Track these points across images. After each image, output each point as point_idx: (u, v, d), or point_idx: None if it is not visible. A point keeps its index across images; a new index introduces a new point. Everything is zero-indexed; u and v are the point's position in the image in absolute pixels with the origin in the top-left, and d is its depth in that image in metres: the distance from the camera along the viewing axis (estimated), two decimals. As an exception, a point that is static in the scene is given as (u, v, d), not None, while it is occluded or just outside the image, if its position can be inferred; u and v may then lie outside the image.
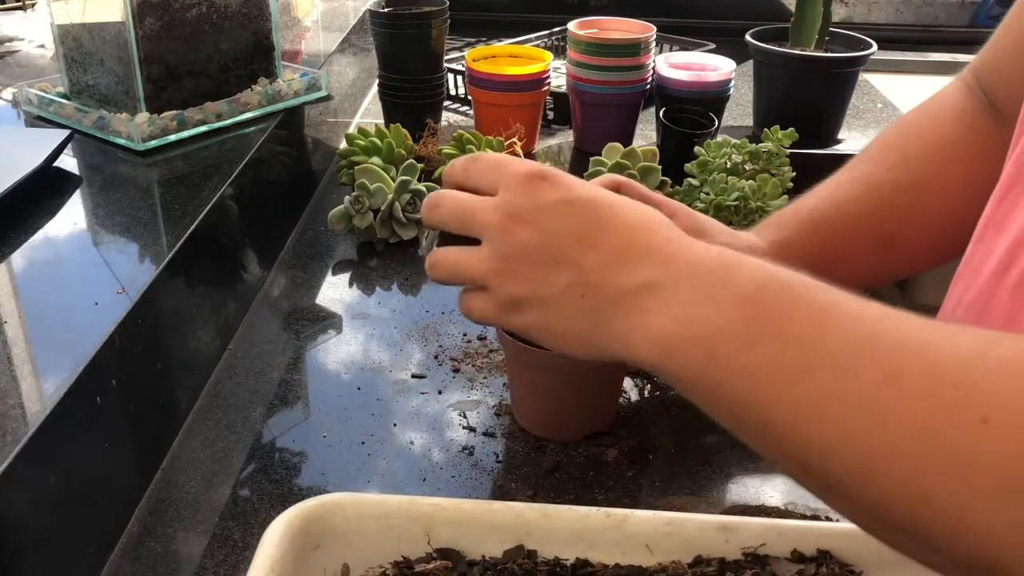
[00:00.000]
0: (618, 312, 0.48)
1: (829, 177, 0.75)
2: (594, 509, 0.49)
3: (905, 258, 0.74)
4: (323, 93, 1.03)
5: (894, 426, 0.38)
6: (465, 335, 0.80)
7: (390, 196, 0.92)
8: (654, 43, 1.14)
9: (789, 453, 0.42)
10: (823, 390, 0.40)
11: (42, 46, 1.20)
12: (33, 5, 1.38)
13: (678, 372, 0.46)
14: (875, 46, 1.18)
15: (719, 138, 1.00)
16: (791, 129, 0.99)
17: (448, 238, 0.58)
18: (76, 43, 0.91)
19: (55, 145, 0.79)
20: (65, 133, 0.82)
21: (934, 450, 0.37)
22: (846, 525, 0.49)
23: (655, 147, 1.01)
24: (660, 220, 0.51)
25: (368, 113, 1.33)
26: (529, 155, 1.16)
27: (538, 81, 1.12)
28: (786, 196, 0.92)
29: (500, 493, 0.62)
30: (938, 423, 0.37)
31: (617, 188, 0.69)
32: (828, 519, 0.60)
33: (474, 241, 0.54)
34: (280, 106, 0.97)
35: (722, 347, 0.44)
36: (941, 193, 0.72)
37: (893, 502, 0.38)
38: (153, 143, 0.86)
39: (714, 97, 1.12)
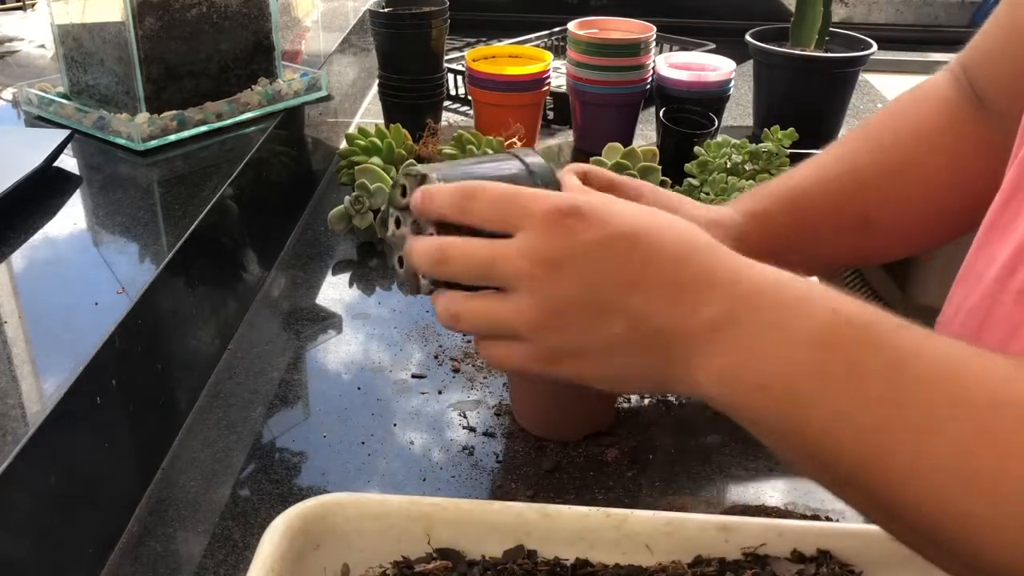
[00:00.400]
0: (681, 355, 0.45)
1: (811, 157, 0.75)
2: (594, 509, 0.49)
3: (881, 242, 0.74)
4: (323, 93, 1.03)
5: (989, 491, 0.37)
6: (465, 335, 0.80)
7: (390, 196, 0.92)
8: (654, 43, 1.14)
9: (873, 499, 0.42)
10: (911, 452, 0.39)
11: (42, 46, 1.20)
12: (33, 5, 1.38)
13: (752, 415, 0.44)
14: (875, 46, 1.18)
15: (719, 138, 1.00)
16: (791, 129, 0.99)
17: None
18: (76, 43, 0.91)
19: (55, 145, 0.79)
20: (65, 133, 0.82)
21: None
22: (846, 525, 0.49)
23: (655, 147, 1.01)
24: (706, 243, 0.47)
25: (368, 113, 1.33)
26: (529, 155, 1.16)
27: (538, 81, 1.12)
28: (786, 196, 0.92)
29: (500, 493, 0.62)
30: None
31: (584, 176, 0.68)
32: (828, 519, 0.60)
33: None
34: (280, 106, 0.97)
35: (801, 391, 0.42)
36: (922, 180, 0.72)
37: (977, 551, 0.38)
38: (153, 143, 0.86)
39: (714, 97, 1.12)
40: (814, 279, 0.47)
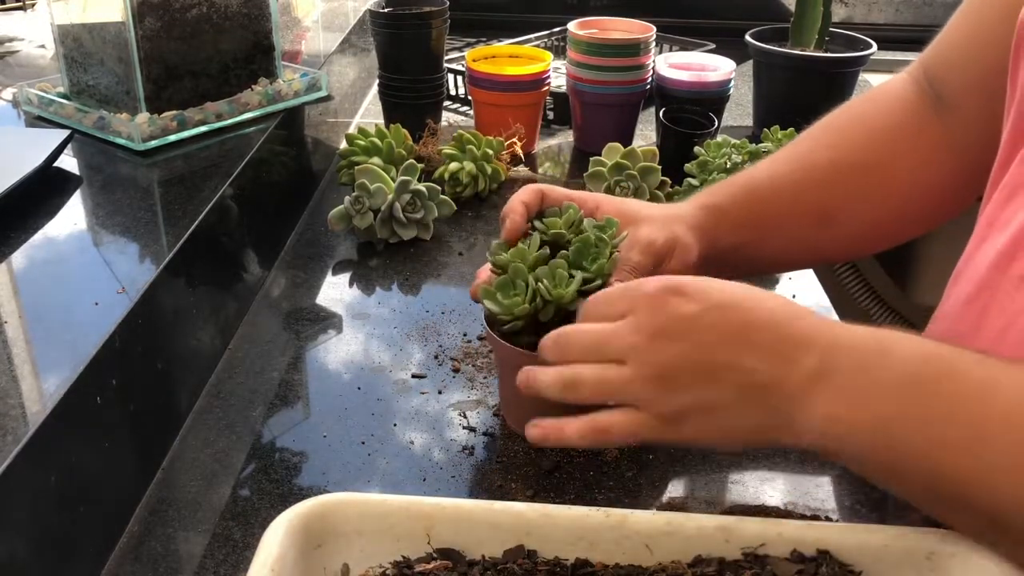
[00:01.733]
0: (786, 408, 0.49)
1: (771, 154, 0.76)
2: (594, 509, 0.49)
3: (840, 238, 0.74)
4: (323, 93, 1.03)
5: None
6: (465, 335, 0.80)
7: (390, 196, 0.92)
8: (654, 43, 1.14)
9: (971, 509, 0.46)
10: (1002, 468, 0.44)
11: (42, 46, 1.20)
12: (33, 5, 1.38)
13: (855, 455, 0.49)
14: (875, 46, 1.18)
15: (719, 138, 1.00)
16: (791, 129, 0.99)
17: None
18: (76, 43, 0.91)
19: (55, 145, 0.79)
20: (65, 133, 0.82)
21: None
22: (846, 525, 0.49)
23: (655, 147, 1.01)
24: (796, 308, 0.52)
25: (368, 113, 1.33)
26: (529, 155, 1.16)
27: (538, 81, 1.12)
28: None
29: (500, 493, 0.62)
30: None
31: (541, 196, 0.69)
32: (828, 519, 0.60)
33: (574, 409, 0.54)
34: (280, 106, 0.97)
35: (896, 430, 0.47)
36: (881, 178, 0.72)
37: None
38: (153, 143, 0.86)
39: (714, 97, 1.12)
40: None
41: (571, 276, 0.62)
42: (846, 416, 0.48)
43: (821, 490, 0.63)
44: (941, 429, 0.46)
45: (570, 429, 0.55)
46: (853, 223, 0.73)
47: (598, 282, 0.62)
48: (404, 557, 0.49)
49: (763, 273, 0.90)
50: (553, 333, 0.56)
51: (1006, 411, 0.45)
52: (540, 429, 0.56)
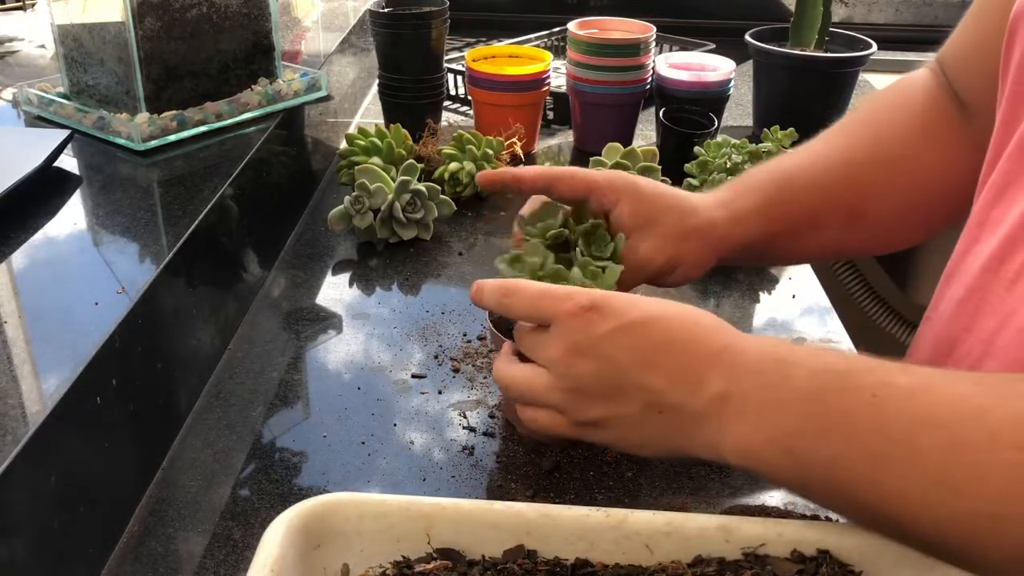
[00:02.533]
0: (698, 425, 0.51)
1: (804, 145, 0.75)
2: (594, 509, 0.49)
3: (870, 234, 0.74)
4: (323, 93, 1.03)
5: (972, 496, 0.42)
6: (465, 335, 0.80)
7: (390, 196, 0.92)
8: (654, 43, 1.14)
9: (883, 525, 0.47)
10: (898, 476, 0.44)
11: (42, 46, 1.20)
12: (33, 5, 1.38)
13: (765, 472, 0.50)
14: (875, 46, 1.18)
15: (719, 138, 1.00)
16: (791, 129, 0.99)
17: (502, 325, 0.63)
18: (76, 43, 0.91)
19: (55, 145, 0.79)
20: (65, 133, 0.82)
21: (1013, 510, 0.42)
22: (846, 525, 0.49)
23: (655, 147, 1.01)
24: (709, 325, 0.53)
25: (368, 113, 1.33)
26: (529, 155, 1.16)
27: (538, 81, 1.12)
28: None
29: (500, 493, 0.62)
30: (1010, 489, 0.42)
31: (552, 182, 0.68)
32: (827, 519, 0.60)
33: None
34: (280, 106, 0.97)
35: (798, 445, 0.47)
36: (913, 172, 0.72)
37: (982, 551, 0.43)
38: (153, 143, 0.86)
39: (714, 97, 1.12)
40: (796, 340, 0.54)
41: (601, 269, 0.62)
42: (753, 436, 0.48)
43: (821, 490, 0.63)
44: (839, 443, 0.46)
45: (508, 411, 0.58)
46: (882, 218, 0.73)
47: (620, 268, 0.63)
48: (404, 557, 0.49)
49: (780, 265, 0.90)
50: (501, 286, 0.57)
51: (903, 438, 0.45)
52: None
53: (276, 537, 0.46)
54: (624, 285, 0.65)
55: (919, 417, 0.45)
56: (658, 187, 0.70)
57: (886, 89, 0.77)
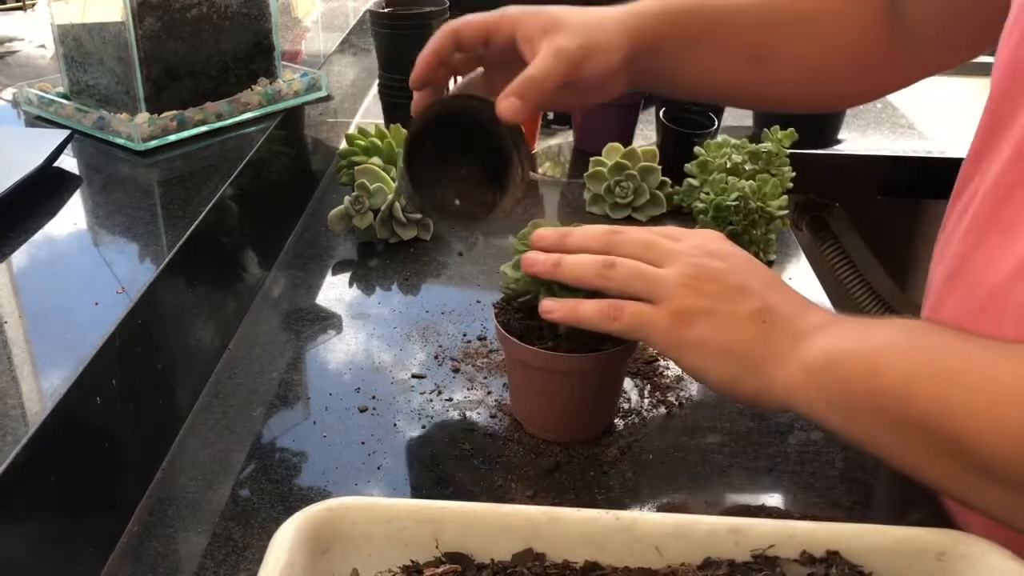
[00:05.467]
0: (790, 341, 0.54)
1: None
2: (603, 512, 0.49)
3: (769, 81, 0.77)
4: (323, 93, 1.03)
5: None
6: (465, 335, 0.80)
7: (390, 196, 0.92)
8: (654, 43, 1.14)
9: (943, 445, 0.48)
10: (972, 389, 0.47)
11: (42, 46, 1.20)
12: (33, 5, 1.38)
13: (838, 385, 0.52)
14: (875, 46, 1.18)
15: (719, 138, 1.00)
16: (791, 129, 0.99)
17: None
18: (76, 43, 0.91)
19: (55, 145, 0.79)
20: (65, 133, 0.82)
21: None
22: (856, 526, 0.48)
23: (655, 147, 1.01)
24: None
25: (368, 113, 1.33)
26: (529, 156, 1.16)
27: (538, 81, 1.12)
28: (786, 196, 0.92)
29: (500, 493, 0.62)
30: None
31: (454, 37, 0.69)
32: (828, 519, 0.60)
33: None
34: (280, 106, 0.97)
35: (883, 362, 0.50)
36: (824, 35, 0.75)
37: None
38: (153, 143, 0.86)
39: (714, 97, 1.12)
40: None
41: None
42: (841, 346, 0.52)
43: (821, 490, 0.63)
44: (922, 358, 0.49)
45: (584, 307, 0.58)
46: (782, 69, 0.75)
47: None
48: (413, 561, 0.49)
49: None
50: (607, 227, 0.61)
51: (984, 359, 0.48)
52: (555, 303, 0.59)
53: (285, 542, 0.45)
54: (553, 73, 0.66)
55: (1001, 349, 0.48)
56: (552, 7, 0.71)
57: None
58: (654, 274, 0.57)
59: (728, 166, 0.96)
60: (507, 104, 0.64)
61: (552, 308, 0.59)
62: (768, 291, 0.57)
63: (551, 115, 1.27)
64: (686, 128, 1.07)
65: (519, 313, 0.65)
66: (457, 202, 0.71)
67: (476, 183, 0.71)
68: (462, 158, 0.71)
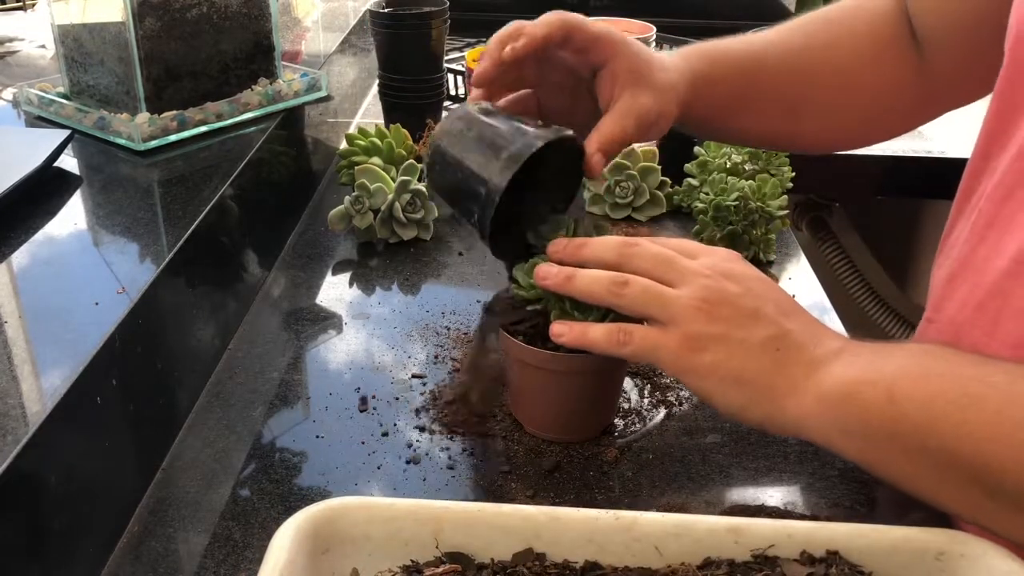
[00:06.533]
0: (803, 370, 0.54)
1: (765, 31, 0.78)
2: (603, 512, 0.49)
3: (805, 129, 0.78)
4: (323, 93, 1.03)
5: None
6: (465, 335, 0.80)
7: (390, 196, 0.92)
8: (654, 43, 1.14)
9: (965, 473, 0.48)
10: (993, 413, 0.46)
11: (42, 46, 1.20)
12: (33, 5, 1.38)
13: (855, 414, 0.51)
14: (875, 46, 1.18)
15: (719, 138, 1.00)
16: (791, 129, 0.99)
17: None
18: (76, 43, 0.91)
19: (55, 145, 0.79)
20: (65, 133, 0.82)
21: None
22: (856, 526, 0.49)
23: (655, 147, 1.01)
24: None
25: (368, 113, 1.33)
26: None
27: (538, 81, 1.12)
28: (786, 196, 0.92)
29: (500, 493, 0.62)
30: None
31: (568, 29, 0.66)
32: (828, 519, 0.60)
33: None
34: (280, 106, 0.97)
35: (900, 387, 0.50)
36: (857, 84, 0.76)
37: None
38: (153, 143, 0.86)
39: (714, 97, 1.12)
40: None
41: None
42: (857, 376, 0.51)
43: (821, 490, 0.63)
44: (939, 385, 0.49)
45: (594, 331, 0.58)
46: (818, 119, 0.77)
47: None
48: (413, 561, 0.49)
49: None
50: (623, 240, 0.60)
51: (1004, 382, 0.47)
52: (565, 327, 0.59)
53: (285, 542, 0.46)
54: (628, 141, 0.65)
55: (1020, 371, 0.47)
56: (641, 45, 0.70)
57: (841, 3, 0.79)
58: (667, 295, 0.56)
59: (728, 166, 0.96)
60: (596, 160, 0.64)
61: (562, 332, 0.59)
62: (782, 317, 0.56)
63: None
64: (686, 128, 1.07)
65: (521, 323, 0.65)
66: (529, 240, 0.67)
67: (542, 217, 0.67)
68: (526, 190, 0.65)
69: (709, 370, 0.55)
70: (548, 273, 0.59)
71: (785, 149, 0.90)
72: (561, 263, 0.60)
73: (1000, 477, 0.46)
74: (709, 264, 0.58)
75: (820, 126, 0.77)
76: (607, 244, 0.60)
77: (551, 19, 0.65)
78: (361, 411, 0.70)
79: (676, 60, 0.71)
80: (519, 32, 0.64)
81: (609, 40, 0.67)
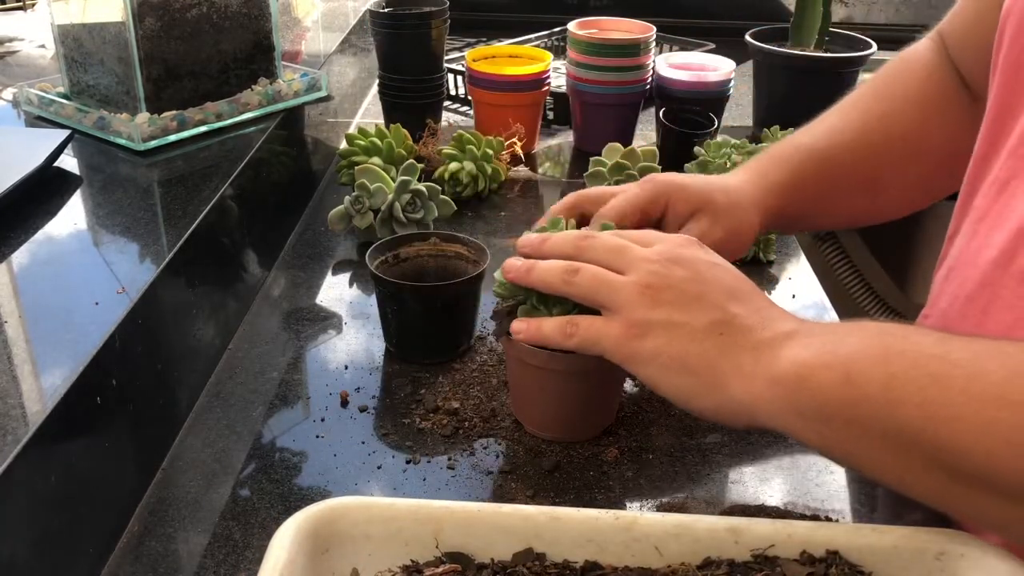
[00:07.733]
0: (751, 354, 0.52)
1: (821, 117, 0.78)
2: (603, 512, 0.49)
3: (884, 202, 0.78)
4: (323, 93, 1.03)
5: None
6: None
7: (390, 196, 0.92)
8: (654, 43, 1.14)
9: (927, 454, 0.46)
10: (958, 392, 0.44)
11: (42, 46, 1.20)
12: (33, 5, 1.38)
13: (811, 397, 0.49)
14: (875, 46, 1.18)
15: (719, 138, 1.00)
16: (791, 129, 0.99)
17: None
18: (76, 43, 0.91)
19: (55, 145, 0.79)
20: (65, 133, 0.82)
21: None
22: (856, 526, 0.49)
23: (655, 147, 1.01)
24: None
25: (368, 113, 1.33)
26: (529, 155, 1.16)
27: (538, 81, 1.12)
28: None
29: (500, 493, 0.62)
30: None
31: (579, 207, 0.70)
32: (827, 519, 0.60)
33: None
34: (280, 106, 0.97)
35: (856, 368, 0.48)
36: (920, 147, 0.76)
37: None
38: (153, 143, 0.86)
39: (714, 97, 1.12)
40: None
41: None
42: (812, 360, 0.50)
43: (821, 490, 0.63)
44: (899, 365, 0.47)
45: (547, 325, 0.59)
46: (894, 188, 0.77)
47: None
48: (413, 561, 0.49)
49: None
50: (581, 232, 0.60)
51: (967, 360, 0.46)
52: (523, 324, 0.60)
53: (285, 542, 0.46)
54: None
55: (984, 348, 0.46)
56: (695, 176, 0.73)
57: (892, 63, 0.80)
58: (614, 281, 0.56)
59: (728, 166, 0.96)
60: None
61: (520, 329, 0.60)
62: (730, 300, 0.54)
63: (551, 115, 1.27)
64: (686, 128, 1.07)
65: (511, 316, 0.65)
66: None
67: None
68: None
69: (651, 356, 0.54)
70: (512, 267, 0.61)
71: (873, 222, 0.90)
72: (527, 257, 0.61)
73: (963, 458, 0.44)
74: (660, 250, 0.57)
75: (899, 194, 0.78)
76: (566, 237, 0.60)
77: (615, 209, 0.69)
78: (361, 411, 0.70)
79: (750, 175, 0.74)
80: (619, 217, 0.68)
81: (658, 192, 0.70)
